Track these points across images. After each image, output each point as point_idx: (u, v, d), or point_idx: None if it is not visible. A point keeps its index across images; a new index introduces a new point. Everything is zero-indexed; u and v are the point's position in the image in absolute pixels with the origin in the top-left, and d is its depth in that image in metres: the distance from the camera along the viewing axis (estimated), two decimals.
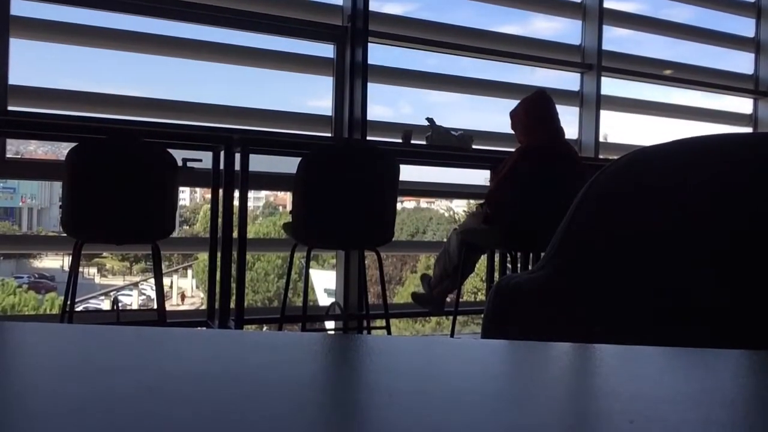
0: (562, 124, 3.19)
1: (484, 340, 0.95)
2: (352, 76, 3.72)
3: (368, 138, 3.64)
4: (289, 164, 2.96)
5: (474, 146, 3.64)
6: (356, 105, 3.69)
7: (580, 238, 0.99)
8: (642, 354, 0.53)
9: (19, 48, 3.10)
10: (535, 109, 3.09)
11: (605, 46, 4.56)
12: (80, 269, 2.87)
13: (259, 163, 3.12)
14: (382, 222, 2.90)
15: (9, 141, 3.19)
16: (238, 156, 3.05)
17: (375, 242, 2.93)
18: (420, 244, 8.29)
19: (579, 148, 4.44)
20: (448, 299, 3.53)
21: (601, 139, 4.55)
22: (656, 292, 0.93)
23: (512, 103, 3.27)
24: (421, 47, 4.14)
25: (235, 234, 3.04)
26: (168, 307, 3.43)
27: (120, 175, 2.50)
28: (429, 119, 3.59)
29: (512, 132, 3.29)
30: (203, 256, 6.94)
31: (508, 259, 3.48)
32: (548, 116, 3.10)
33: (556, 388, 0.44)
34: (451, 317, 3.55)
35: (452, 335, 3.53)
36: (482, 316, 1.04)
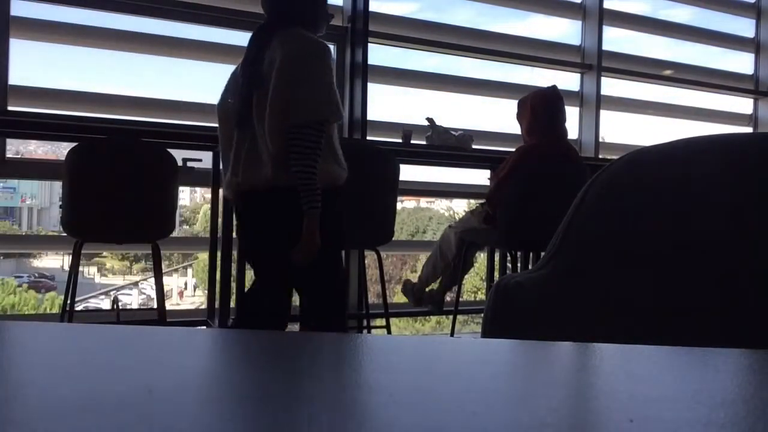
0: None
1: (484, 340, 0.95)
2: (352, 76, 3.72)
3: (368, 138, 3.64)
4: None
5: (474, 146, 3.64)
6: (356, 105, 3.68)
7: (580, 238, 0.99)
8: (642, 354, 0.53)
9: (19, 48, 3.10)
10: (542, 110, 3.08)
11: (605, 47, 4.56)
12: (80, 268, 2.86)
13: None
14: (382, 222, 2.90)
15: (9, 141, 3.19)
16: None
17: (375, 242, 2.93)
18: (420, 243, 8.28)
19: (579, 148, 4.44)
20: (447, 298, 3.53)
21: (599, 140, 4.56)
22: (656, 291, 0.93)
23: (512, 103, 3.27)
24: (421, 47, 4.14)
25: (235, 234, 3.04)
26: (168, 305, 3.43)
27: (120, 175, 2.50)
28: (429, 119, 3.59)
29: (511, 132, 3.28)
30: (203, 256, 6.94)
31: (508, 258, 3.48)
32: (553, 117, 3.09)
33: (556, 388, 0.44)
34: (451, 316, 3.55)
35: (452, 334, 3.53)
36: (482, 315, 1.04)
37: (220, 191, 3.20)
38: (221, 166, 2.27)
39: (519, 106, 3.19)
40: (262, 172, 1.99)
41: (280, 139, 1.94)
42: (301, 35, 2.02)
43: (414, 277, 3.61)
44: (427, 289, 3.42)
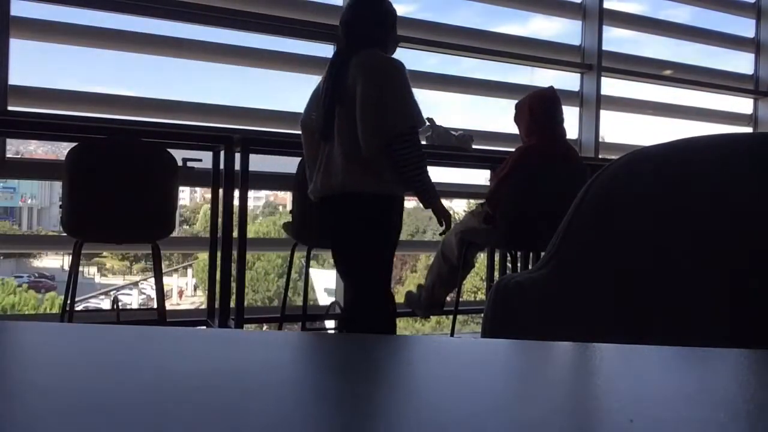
0: (565, 124, 3.18)
1: (484, 340, 0.95)
2: None
3: None
4: (289, 164, 2.96)
5: (474, 146, 3.64)
6: None
7: (580, 238, 0.99)
8: (642, 354, 0.53)
9: (19, 48, 3.10)
10: (540, 110, 3.07)
11: (605, 47, 4.56)
12: (80, 268, 2.86)
13: (259, 163, 3.12)
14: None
15: (9, 141, 3.19)
16: (238, 156, 3.05)
17: None
18: (420, 243, 8.27)
19: (579, 148, 4.44)
20: (448, 298, 3.53)
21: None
22: (656, 291, 0.93)
23: (512, 103, 3.26)
24: (421, 47, 4.13)
25: (235, 233, 3.04)
26: (168, 305, 3.43)
27: (120, 175, 2.50)
28: (429, 119, 3.58)
29: (511, 132, 3.28)
30: (203, 256, 6.95)
31: (508, 258, 3.48)
32: (551, 118, 3.08)
33: (556, 388, 0.44)
34: (451, 316, 3.55)
35: (452, 334, 3.53)
36: (482, 315, 1.04)
37: (220, 191, 3.20)
38: (307, 174, 2.48)
39: (516, 109, 3.19)
40: (335, 179, 2.24)
41: (376, 149, 2.18)
42: (379, 55, 2.29)
43: (413, 278, 3.59)
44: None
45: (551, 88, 3.18)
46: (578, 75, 4.62)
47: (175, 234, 2.75)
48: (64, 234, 2.67)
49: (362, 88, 2.18)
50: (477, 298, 6.17)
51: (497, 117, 4.49)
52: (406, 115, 2.22)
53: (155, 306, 2.80)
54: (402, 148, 2.19)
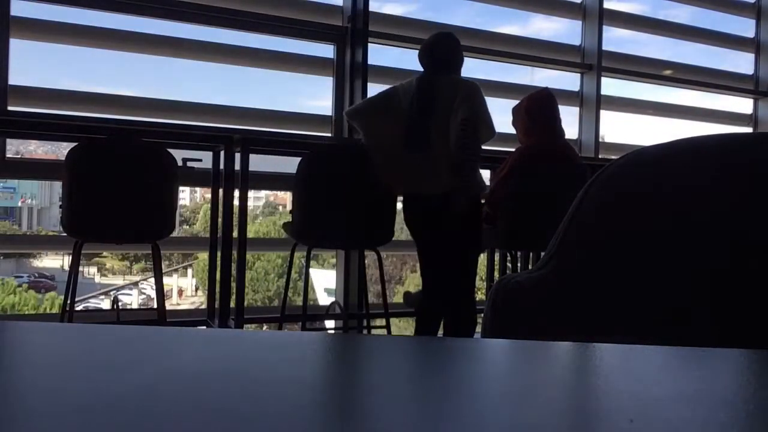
0: (563, 125, 3.18)
1: (484, 340, 0.95)
2: (352, 76, 3.72)
3: None
4: (289, 164, 2.96)
5: None
6: None
7: (580, 238, 0.99)
8: (642, 354, 0.53)
9: (19, 48, 3.10)
10: (537, 111, 3.08)
11: (605, 47, 4.56)
12: (80, 269, 2.86)
13: (259, 163, 3.12)
14: (382, 222, 2.90)
15: (9, 141, 3.19)
16: (238, 156, 3.05)
17: (375, 242, 2.93)
18: None
19: (579, 148, 4.44)
20: None
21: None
22: (655, 291, 0.93)
23: (512, 103, 3.27)
24: None
25: (235, 233, 3.04)
26: (168, 305, 3.43)
27: (120, 175, 2.50)
28: None
29: (512, 132, 3.28)
30: (203, 256, 6.95)
31: (508, 258, 3.48)
32: (549, 117, 3.09)
33: (556, 388, 0.44)
34: None
35: None
36: (482, 315, 1.05)
37: (220, 191, 3.20)
38: (382, 170, 2.78)
39: (513, 113, 3.20)
40: (443, 181, 2.63)
41: (461, 153, 2.61)
42: (466, 80, 2.78)
43: (413, 278, 3.59)
44: None
45: (546, 89, 3.20)
46: (578, 75, 4.62)
47: (175, 234, 2.75)
48: (64, 234, 2.68)
49: (464, 106, 2.61)
50: (477, 298, 6.16)
51: (497, 117, 4.48)
52: (491, 128, 2.72)
53: (155, 306, 2.80)
54: (476, 152, 2.67)
